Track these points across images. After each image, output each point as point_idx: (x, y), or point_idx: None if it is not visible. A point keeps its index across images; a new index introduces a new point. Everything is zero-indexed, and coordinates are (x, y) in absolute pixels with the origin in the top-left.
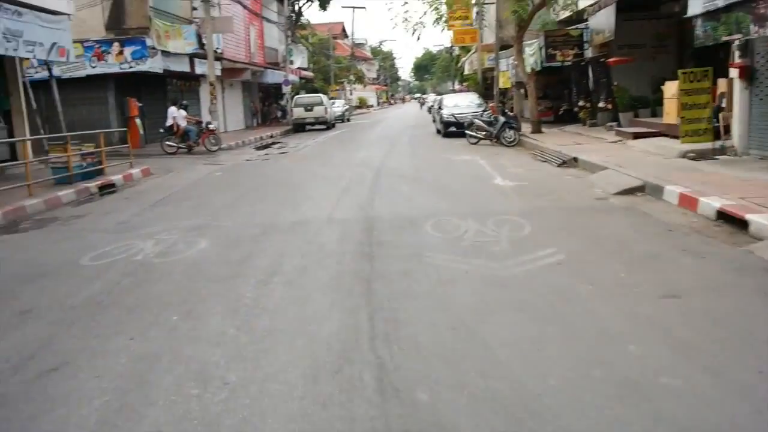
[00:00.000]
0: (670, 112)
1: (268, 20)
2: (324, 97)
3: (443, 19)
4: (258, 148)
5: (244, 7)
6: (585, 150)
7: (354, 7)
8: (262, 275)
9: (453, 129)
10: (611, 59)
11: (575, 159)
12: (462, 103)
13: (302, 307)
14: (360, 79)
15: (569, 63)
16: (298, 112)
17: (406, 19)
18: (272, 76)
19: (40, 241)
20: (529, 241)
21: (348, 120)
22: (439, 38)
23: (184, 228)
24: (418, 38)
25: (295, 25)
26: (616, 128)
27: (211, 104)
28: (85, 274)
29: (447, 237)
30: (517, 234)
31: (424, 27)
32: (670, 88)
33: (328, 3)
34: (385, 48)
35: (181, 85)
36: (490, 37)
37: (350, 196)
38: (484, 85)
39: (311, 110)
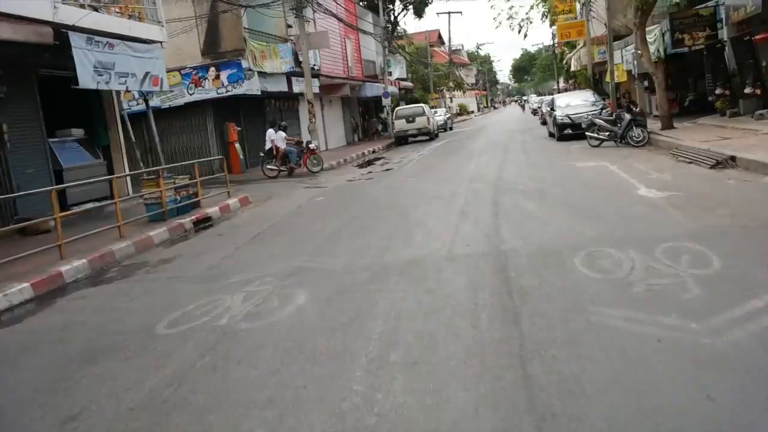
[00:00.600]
0: None
1: (364, 32)
2: (425, 107)
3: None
4: (360, 166)
5: (339, 20)
6: (739, 146)
7: (450, 13)
8: (375, 350)
9: (569, 131)
10: (758, 36)
11: (732, 158)
12: (575, 102)
13: (432, 412)
14: (459, 85)
15: (700, 47)
16: (400, 125)
17: (511, 17)
18: (371, 90)
19: (120, 298)
20: (727, 282)
21: (451, 128)
22: (538, 36)
23: (280, 273)
24: (525, 36)
25: (391, 35)
26: None
27: (311, 123)
28: (157, 350)
29: (609, 278)
30: (704, 270)
31: (531, 23)
32: None
33: (424, 10)
34: (482, 52)
35: (279, 106)
36: (598, 29)
37: (470, 220)
38: (594, 81)
39: (413, 121)
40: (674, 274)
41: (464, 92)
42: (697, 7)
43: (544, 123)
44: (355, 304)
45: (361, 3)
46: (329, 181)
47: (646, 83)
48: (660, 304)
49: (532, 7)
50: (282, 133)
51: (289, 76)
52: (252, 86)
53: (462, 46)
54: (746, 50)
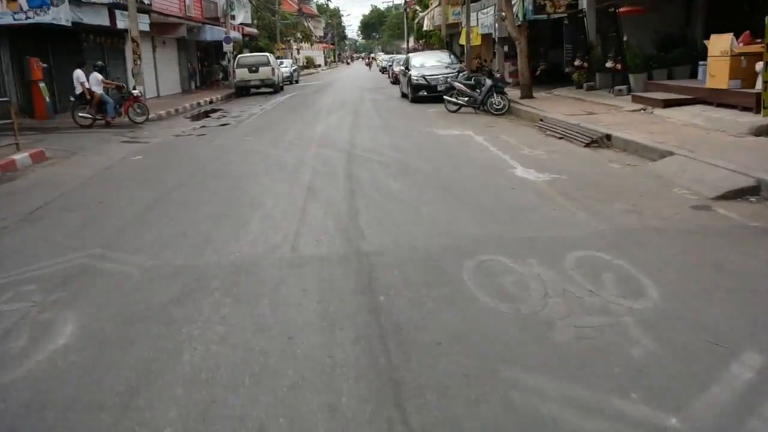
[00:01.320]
0: (717, 75)
1: None
2: (271, 57)
3: None
4: (194, 118)
5: None
6: (610, 123)
7: None
8: None
9: (423, 93)
10: (622, 9)
11: (608, 137)
12: (431, 63)
13: None
14: (307, 37)
15: (562, 15)
16: (242, 74)
17: None
18: (211, 33)
19: None
20: (679, 326)
21: (297, 81)
22: None
23: (51, 277)
24: None
25: None
26: (632, 94)
27: (135, 65)
28: None
29: (519, 312)
30: (641, 303)
31: None
32: (718, 44)
33: None
34: (332, 4)
35: (101, 43)
36: None
37: (320, 201)
38: (446, 44)
39: (256, 71)
40: (604, 307)
41: (312, 45)
42: None
43: (395, 82)
44: (146, 349)
45: None
46: (154, 134)
47: (506, 48)
48: (604, 370)
49: None
50: (97, 75)
51: (112, 8)
52: (60, 15)
53: None
54: (610, 23)
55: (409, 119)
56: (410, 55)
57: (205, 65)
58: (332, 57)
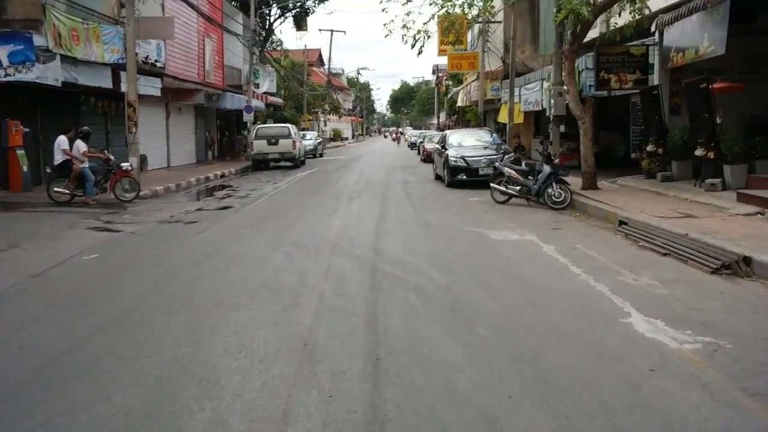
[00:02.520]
0: None
1: (229, 31)
2: (292, 128)
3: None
4: (194, 197)
5: (197, 10)
6: (722, 231)
7: (332, 30)
8: None
9: (463, 177)
10: (717, 84)
11: (746, 259)
12: (470, 142)
13: None
14: (336, 109)
15: (630, 91)
16: (260, 146)
17: (405, 26)
18: (233, 102)
19: None
20: None
21: (321, 155)
22: (419, 70)
23: None
24: (420, 52)
25: (264, 42)
26: (737, 191)
27: (129, 133)
28: None
29: None
30: None
31: (428, 37)
32: None
33: (305, 21)
34: (362, 78)
35: (103, 107)
36: (493, 64)
37: (319, 386)
38: (477, 121)
39: (276, 144)
40: None
41: (340, 117)
42: (630, 44)
43: (426, 161)
44: None
45: (232, 2)
46: (135, 219)
47: (563, 128)
48: None
49: (433, 17)
50: (81, 144)
51: (116, 68)
52: (48, 73)
53: (342, 70)
54: (700, 101)
55: (449, 211)
56: (447, 132)
57: (226, 135)
58: (360, 130)
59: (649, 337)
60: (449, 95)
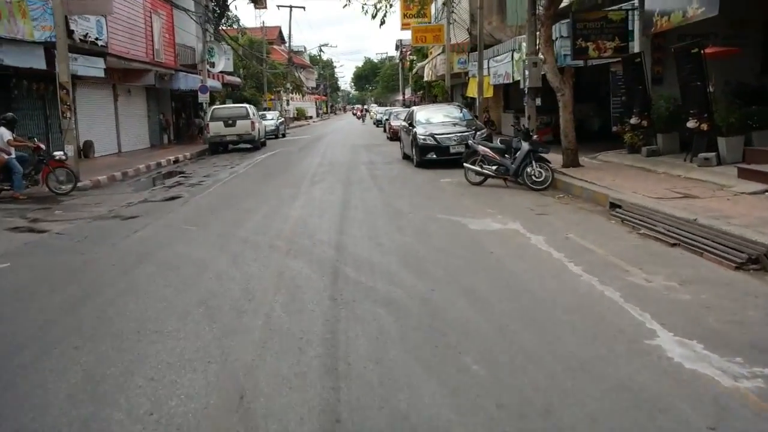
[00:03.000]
0: None
1: (179, 7)
2: (251, 108)
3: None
4: (142, 186)
5: None
6: (733, 215)
7: (291, 7)
8: None
9: (433, 156)
10: (708, 49)
11: None
12: (439, 118)
13: None
14: (298, 88)
15: (610, 59)
16: (216, 128)
17: None
18: (187, 82)
19: None
20: None
21: (284, 135)
22: (382, 45)
23: None
24: (383, 22)
25: (219, 19)
26: (736, 165)
27: (63, 117)
28: None
29: None
30: None
31: (391, 6)
32: None
33: None
34: (325, 56)
35: (39, 90)
36: (459, 36)
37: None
38: (444, 96)
39: (233, 125)
40: None
41: (303, 96)
42: (608, 9)
43: (393, 139)
44: None
45: None
46: (71, 213)
47: (539, 101)
48: None
49: None
50: (5, 132)
51: (51, 48)
52: None
53: (305, 48)
54: (692, 68)
55: (420, 195)
56: (415, 108)
57: (182, 117)
58: (325, 108)
59: (689, 368)
60: (414, 70)
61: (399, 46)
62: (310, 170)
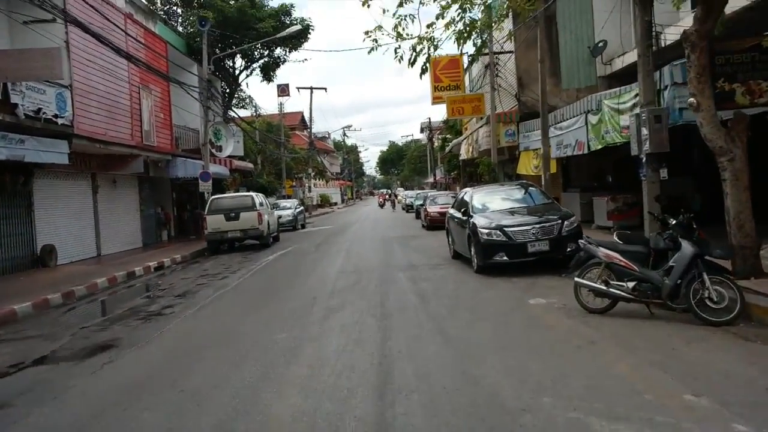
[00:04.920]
0: None
1: (174, 81)
2: (257, 197)
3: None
4: (69, 323)
5: (120, 53)
6: None
7: (312, 88)
8: None
9: (503, 258)
10: None
11: None
12: (500, 203)
13: None
14: (321, 173)
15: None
16: (215, 222)
17: (399, 33)
18: (186, 169)
19: None
20: None
21: (303, 226)
22: (407, 128)
23: None
24: (423, 71)
25: (230, 99)
26: None
27: None
28: None
29: None
30: None
31: (435, 49)
32: None
33: (274, 72)
34: (349, 140)
35: None
36: (506, 104)
37: None
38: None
39: (236, 218)
40: None
41: (327, 182)
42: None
43: (431, 228)
44: None
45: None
46: None
47: (663, 172)
48: None
49: (438, 18)
50: None
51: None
52: None
53: (329, 134)
54: None
55: (517, 345)
56: (467, 191)
57: (188, 209)
58: (350, 194)
59: None
60: (448, 149)
61: (427, 126)
62: (326, 284)
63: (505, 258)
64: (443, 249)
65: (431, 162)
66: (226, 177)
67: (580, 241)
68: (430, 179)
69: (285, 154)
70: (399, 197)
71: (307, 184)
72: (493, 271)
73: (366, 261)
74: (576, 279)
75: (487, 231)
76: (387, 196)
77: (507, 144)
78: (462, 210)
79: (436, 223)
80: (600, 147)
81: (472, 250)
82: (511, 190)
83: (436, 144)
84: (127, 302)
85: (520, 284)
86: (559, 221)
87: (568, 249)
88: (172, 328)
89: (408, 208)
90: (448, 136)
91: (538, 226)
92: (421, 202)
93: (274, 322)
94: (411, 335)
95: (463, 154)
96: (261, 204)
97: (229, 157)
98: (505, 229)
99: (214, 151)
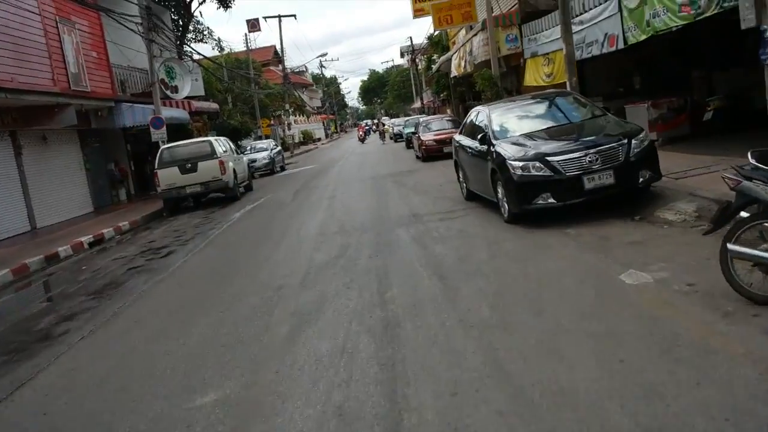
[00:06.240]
0: None
1: (106, 11)
2: (219, 142)
3: None
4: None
5: None
6: None
7: (281, 16)
8: None
9: (548, 200)
10: None
11: None
12: (535, 123)
13: None
14: (300, 108)
15: None
16: (169, 176)
17: None
18: (138, 116)
19: None
20: None
21: (282, 169)
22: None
23: None
24: None
25: (183, 32)
26: None
27: None
28: None
29: None
30: None
31: None
32: None
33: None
34: (328, 72)
35: None
36: (503, 4)
37: None
38: (473, 94)
39: (193, 170)
40: None
41: (308, 117)
42: None
43: (427, 159)
44: None
45: None
46: None
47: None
48: None
49: None
50: None
51: None
52: None
53: (306, 67)
54: None
55: (660, 394)
56: (483, 110)
57: (150, 162)
58: (334, 128)
59: None
60: (435, 67)
61: (408, 50)
62: (298, 260)
63: (552, 200)
64: (450, 186)
65: (416, 86)
66: (187, 121)
67: (727, 175)
68: (417, 104)
69: (257, 90)
70: (386, 126)
71: (286, 122)
72: (529, 218)
73: (354, 214)
74: (730, 246)
75: (521, 164)
76: (372, 127)
77: (510, 51)
78: (479, 136)
79: (433, 153)
80: (644, 38)
81: (500, 191)
82: (541, 104)
83: (420, 66)
84: (13, 314)
85: (585, 241)
86: (624, 141)
87: (641, 180)
88: (34, 383)
89: (396, 137)
90: (434, 55)
91: (593, 150)
92: (411, 129)
93: (197, 360)
94: (441, 380)
95: (454, 71)
96: (224, 149)
97: (187, 98)
98: (549, 158)
99: (169, 92)
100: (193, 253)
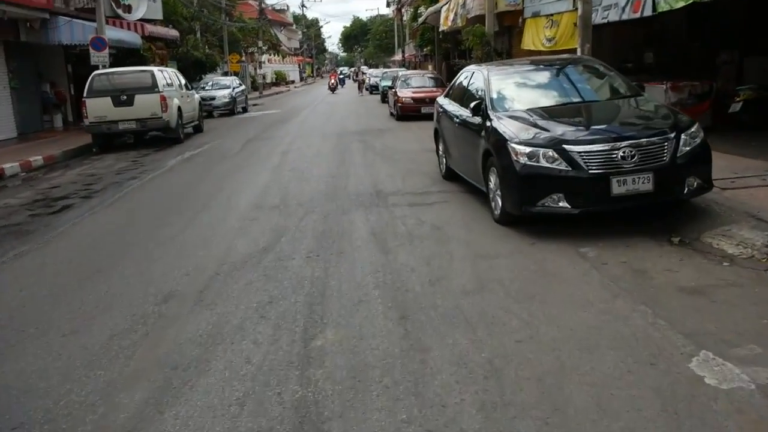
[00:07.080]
0: None
1: None
2: (163, 74)
3: None
4: None
5: None
6: None
7: None
8: None
9: (558, 205)
10: None
11: None
12: (549, 98)
13: None
14: (274, 47)
15: None
16: (99, 108)
17: None
18: (77, 32)
19: None
20: None
21: (244, 110)
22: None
23: None
24: None
25: None
26: None
27: None
28: None
29: None
30: None
31: None
32: None
33: None
34: (310, 14)
35: None
36: None
37: None
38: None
39: (128, 103)
40: None
41: (284, 57)
42: None
43: (402, 118)
44: None
45: None
46: None
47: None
48: None
49: None
50: None
51: None
52: None
53: (287, 6)
54: None
55: None
56: (481, 70)
57: None
58: (309, 71)
59: None
60: (422, 18)
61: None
62: (211, 249)
63: (564, 204)
64: (426, 157)
65: (399, 38)
66: (138, 46)
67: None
68: (398, 57)
69: (227, 22)
70: (365, 75)
71: (258, 60)
72: (527, 220)
73: (305, 181)
74: None
75: (528, 149)
76: (352, 76)
77: (508, 7)
78: (472, 105)
79: (409, 112)
80: (682, 5)
81: (493, 180)
82: (556, 71)
83: (405, 17)
84: None
85: (613, 274)
86: (671, 135)
87: (686, 189)
88: None
89: (372, 89)
90: (421, 7)
91: (628, 143)
92: (388, 83)
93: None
94: None
95: (442, 25)
96: (168, 83)
97: (141, 20)
98: (567, 147)
99: (120, 11)
100: (91, 213)
